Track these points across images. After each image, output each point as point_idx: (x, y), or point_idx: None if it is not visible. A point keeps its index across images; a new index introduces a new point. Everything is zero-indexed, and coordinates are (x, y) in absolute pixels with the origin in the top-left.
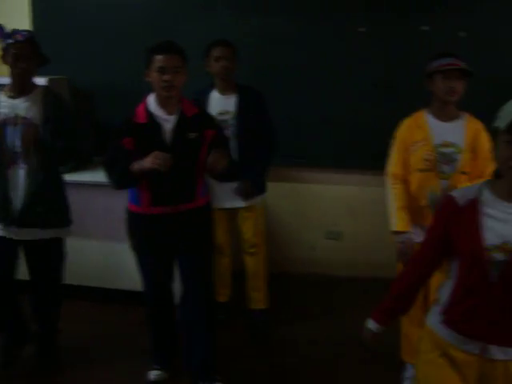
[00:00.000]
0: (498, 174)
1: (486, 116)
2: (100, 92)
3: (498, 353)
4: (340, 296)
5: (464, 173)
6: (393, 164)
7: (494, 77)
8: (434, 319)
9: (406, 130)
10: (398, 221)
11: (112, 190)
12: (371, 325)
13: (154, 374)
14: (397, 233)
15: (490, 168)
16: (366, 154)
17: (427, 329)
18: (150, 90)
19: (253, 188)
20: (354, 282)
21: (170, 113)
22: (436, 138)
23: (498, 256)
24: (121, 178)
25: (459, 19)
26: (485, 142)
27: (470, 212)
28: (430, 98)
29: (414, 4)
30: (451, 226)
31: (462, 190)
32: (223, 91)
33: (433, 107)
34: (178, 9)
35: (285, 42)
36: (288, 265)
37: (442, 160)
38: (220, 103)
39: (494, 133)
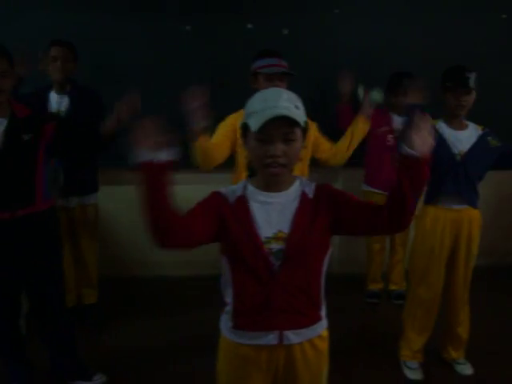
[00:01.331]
0: (253, 172)
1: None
2: None
3: (293, 337)
4: (176, 295)
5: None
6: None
7: (311, 73)
8: (224, 327)
9: (233, 118)
10: None
11: None
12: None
13: None
14: None
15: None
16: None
17: (222, 339)
18: None
19: None
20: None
21: None
22: None
23: (276, 246)
24: None
25: (282, 17)
26: (318, 134)
27: (241, 209)
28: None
29: (238, 2)
30: (224, 221)
31: (230, 188)
32: (59, 91)
33: None
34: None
35: (118, 41)
36: (126, 268)
37: None
38: (55, 103)
39: (243, 126)
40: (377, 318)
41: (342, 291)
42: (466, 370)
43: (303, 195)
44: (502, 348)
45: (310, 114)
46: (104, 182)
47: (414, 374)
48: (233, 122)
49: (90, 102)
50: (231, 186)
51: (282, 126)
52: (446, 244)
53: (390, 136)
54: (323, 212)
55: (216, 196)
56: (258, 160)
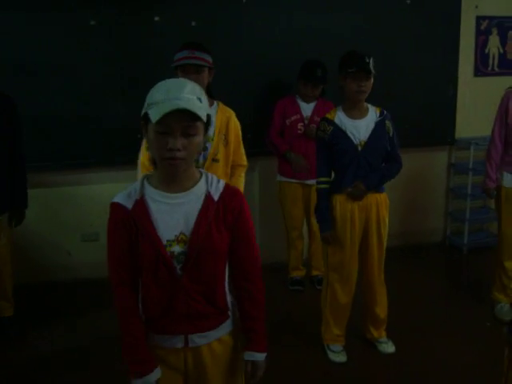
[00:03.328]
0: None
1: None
2: None
3: (199, 340)
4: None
5: (216, 160)
6: (143, 153)
7: (222, 64)
8: None
9: None
10: None
11: None
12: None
13: None
14: None
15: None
16: (116, 150)
17: None
18: None
19: None
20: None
21: None
22: None
23: (177, 248)
24: None
25: (190, 9)
26: (235, 129)
27: (140, 213)
28: None
29: None
30: (131, 232)
31: (123, 192)
32: None
33: None
34: None
35: (20, 40)
36: (45, 273)
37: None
38: None
39: (144, 117)
40: (301, 304)
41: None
42: (388, 348)
43: (208, 196)
44: (421, 323)
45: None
46: None
47: (337, 357)
48: None
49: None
50: (127, 189)
51: (182, 118)
52: (358, 229)
53: (300, 124)
54: (225, 218)
55: (115, 210)
56: (156, 153)
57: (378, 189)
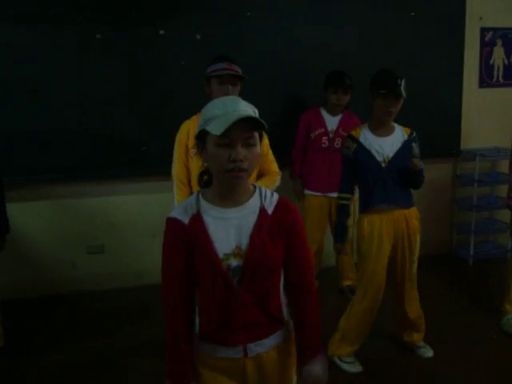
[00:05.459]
0: (207, 182)
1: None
2: None
3: (257, 348)
4: (106, 309)
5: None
6: (176, 167)
7: None
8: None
9: (184, 132)
10: None
11: None
12: None
13: None
14: None
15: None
16: (121, 163)
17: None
18: None
19: None
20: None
21: None
22: None
23: (234, 262)
24: None
25: (194, 22)
26: (264, 139)
27: (197, 227)
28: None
29: (149, 9)
30: (188, 246)
31: (180, 207)
32: None
33: None
34: None
35: (17, 53)
36: (50, 286)
37: None
38: None
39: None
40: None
41: None
42: (427, 352)
43: (262, 210)
44: (428, 333)
45: None
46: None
47: (354, 367)
48: (185, 132)
49: None
50: (182, 205)
51: (243, 129)
52: (385, 244)
53: (325, 138)
54: (279, 231)
55: (172, 225)
56: (218, 166)
57: (407, 204)
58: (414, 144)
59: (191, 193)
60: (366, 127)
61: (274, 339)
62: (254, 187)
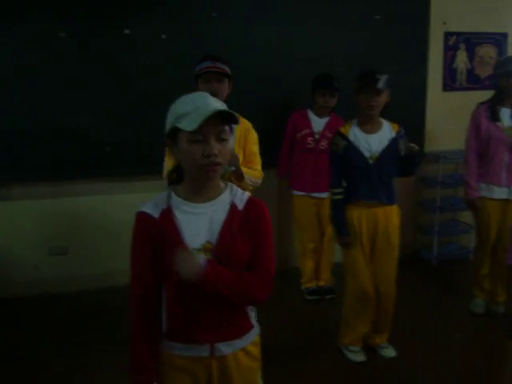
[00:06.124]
0: (177, 179)
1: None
2: None
3: (225, 348)
4: (70, 312)
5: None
6: (167, 167)
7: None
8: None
9: None
10: None
11: None
12: None
13: None
14: None
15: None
16: (85, 163)
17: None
18: None
19: None
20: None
21: None
22: None
23: (203, 257)
24: None
25: (160, 22)
26: (253, 140)
27: (167, 222)
28: None
29: (114, 8)
30: (155, 241)
31: (151, 201)
32: None
33: None
34: None
35: None
36: (13, 289)
37: None
38: None
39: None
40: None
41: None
42: (390, 352)
43: (233, 206)
44: (417, 330)
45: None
46: None
47: (357, 356)
48: None
49: None
50: (154, 199)
51: (215, 124)
52: (365, 235)
53: (310, 138)
54: (248, 226)
55: (142, 218)
56: (192, 162)
57: (388, 201)
58: (401, 141)
59: None
60: (355, 123)
61: (242, 342)
62: (225, 184)
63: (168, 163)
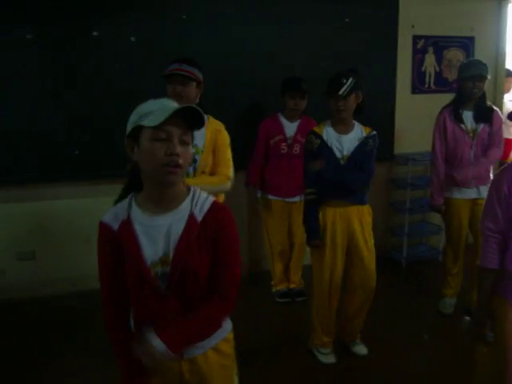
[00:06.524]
0: (138, 184)
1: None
2: None
3: (194, 350)
4: (38, 317)
5: (204, 173)
6: None
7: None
8: None
9: None
10: None
11: None
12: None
13: None
14: None
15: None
16: (51, 167)
17: None
18: None
19: None
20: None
21: None
22: None
23: (161, 270)
24: None
25: (129, 24)
26: (224, 141)
27: (126, 234)
28: None
29: (82, 10)
30: (117, 252)
31: (112, 211)
32: None
33: None
34: None
35: None
36: None
37: None
38: None
39: (132, 132)
40: (291, 315)
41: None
42: (362, 350)
43: (191, 217)
44: (387, 329)
45: None
46: None
47: (327, 358)
48: None
49: None
50: (115, 208)
51: (179, 126)
52: (340, 236)
53: (284, 144)
54: (207, 237)
55: (103, 230)
56: (154, 161)
57: (360, 201)
58: (370, 141)
59: None
60: (329, 123)
61: (212, 340)
62: (188, 190)
63: None
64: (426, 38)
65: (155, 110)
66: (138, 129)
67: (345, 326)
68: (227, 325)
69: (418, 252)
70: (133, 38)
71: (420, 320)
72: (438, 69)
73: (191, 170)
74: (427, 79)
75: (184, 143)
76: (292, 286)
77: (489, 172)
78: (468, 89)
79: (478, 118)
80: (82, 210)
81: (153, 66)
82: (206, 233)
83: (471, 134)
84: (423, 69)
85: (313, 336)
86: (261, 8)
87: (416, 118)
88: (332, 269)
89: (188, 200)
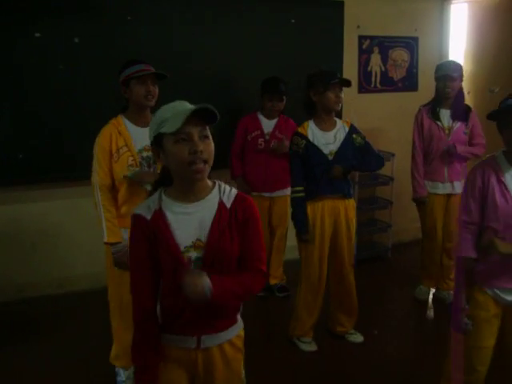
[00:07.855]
0: (168, 180)
1: None
2: None
3: (211, 340)
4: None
5: None
6: (99, 173)
7: (105, 80)
8: None
9: (107, 137)
10: (108, 232)
11: None
12: None
13: None
14: (110, 244)
15: None
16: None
17: None
18: None
19: None
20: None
21: None
22: (137, 144)
23: (194, 254)
24: None
25: (72, 25)
26: None
27: (159, 222)
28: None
29: (24, 11)
30: (150, 240)
31: (143, 204)
32: None
33: (129, 112)
34: None
35: None
36: None
37: (146, 164)
38: None
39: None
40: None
41: None
42: (358, 338)
43: (221, 204)
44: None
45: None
46: None
47: (308, 347)
48: (107, 137)
49: None
50: (147, 201)
51: (196, 124)
52: (327, 232)
53: (261, 139)
54: (236, 223)
55: (136, 220)
56: (180, 161)
57: (346, 194)
58: (354, 135)
59: (115, 198)
60: (312, 122)
61: (228, 334)
62: (214, 183)
63: (100, 172)
64: (372, 38)
65: (171, 115)
66: (160, 136)
67: (337, 316)
68: (241, 322)
69: (368, 250)
70: (76, 39)
71: (370, 316)
72: (383, 68)
73: None
74: (373, 79)
75: (204, 138)
76: (274, 281)
77: (463, 168)
78: (440, 88)
79: (454, 117)
80: (27, 216)
81: (98, 67)
82: (236, 218)
83: (447, 131)
84: (369, 69)
85: (294, 326)
86: (206, 9)
87: (363, 117)
88: (321, 261)
89: (215, 190)
